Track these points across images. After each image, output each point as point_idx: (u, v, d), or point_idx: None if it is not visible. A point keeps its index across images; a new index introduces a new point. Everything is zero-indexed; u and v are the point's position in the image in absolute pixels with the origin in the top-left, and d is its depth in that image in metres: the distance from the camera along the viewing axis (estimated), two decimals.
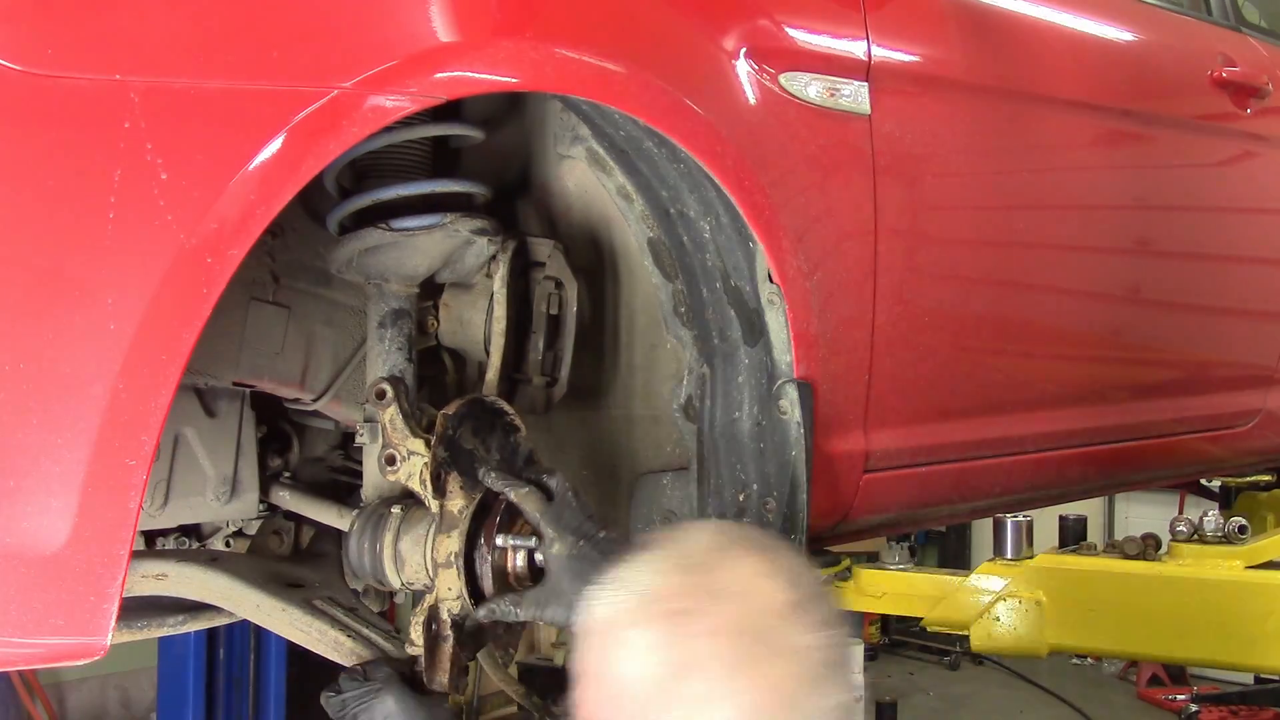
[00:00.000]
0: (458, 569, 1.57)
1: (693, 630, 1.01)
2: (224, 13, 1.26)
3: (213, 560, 1.77)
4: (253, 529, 2.05)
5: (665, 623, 1.02)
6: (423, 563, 1.60)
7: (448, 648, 1.58)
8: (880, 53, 1.91)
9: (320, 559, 1.98)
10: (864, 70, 1.88)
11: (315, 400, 1.83)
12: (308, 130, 1.26)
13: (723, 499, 1.86)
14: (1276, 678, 4.54)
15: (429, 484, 1.58)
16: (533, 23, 1.47)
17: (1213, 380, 2.92)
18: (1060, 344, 2.42)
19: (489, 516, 1.60)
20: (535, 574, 1.58)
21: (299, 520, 2.01)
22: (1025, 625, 3.18)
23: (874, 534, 2.49)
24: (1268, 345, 3.02)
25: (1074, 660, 7.02)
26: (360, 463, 1.83)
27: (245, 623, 2.03)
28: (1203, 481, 4.44)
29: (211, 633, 4.91)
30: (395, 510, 1.65)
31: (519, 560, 1.59)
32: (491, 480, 1.60)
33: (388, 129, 1.38)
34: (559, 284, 1.86)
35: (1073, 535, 3.55)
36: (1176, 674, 6.35)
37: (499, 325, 1.77)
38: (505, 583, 1.59)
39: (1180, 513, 4.70)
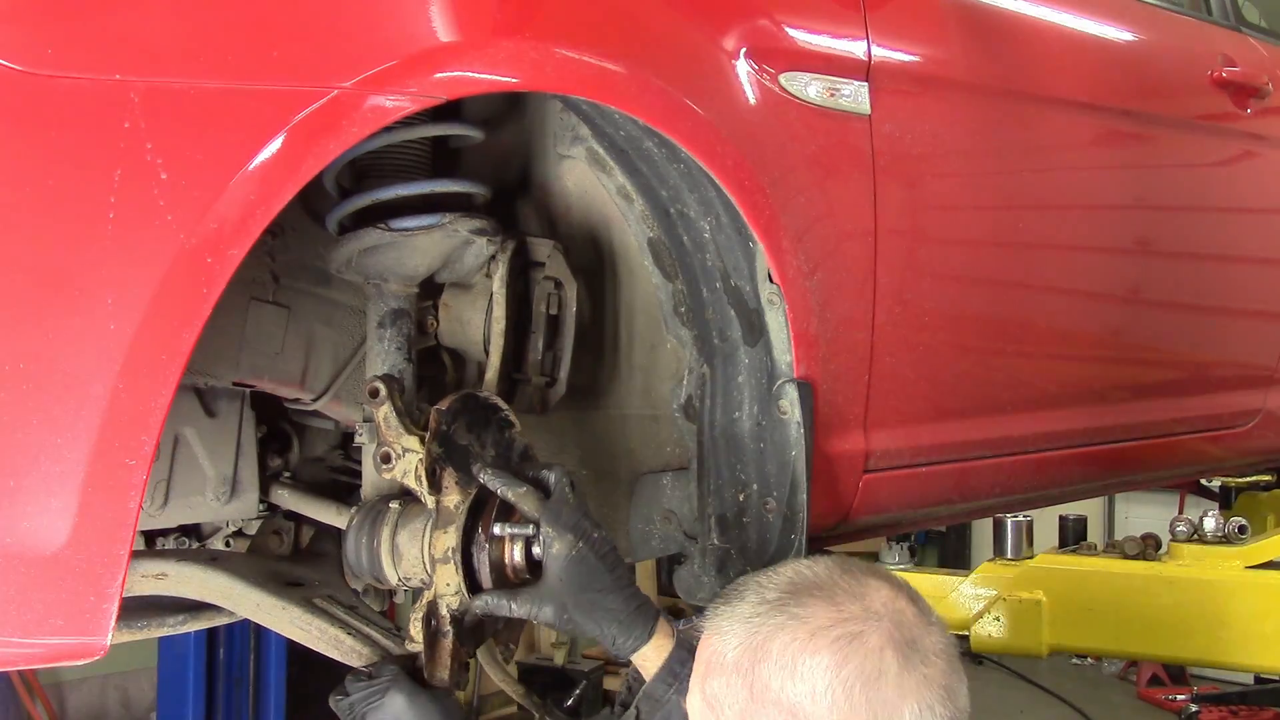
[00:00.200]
0: (455, 564, 1.56)
1: (868, 647, 1.21)
2: (224, 13, 1.26)
3: (213, 560, 1.77)
4: (253, 529, 2.05)
5: (845, 644, 1.21)
6: (420, 558, 1.60)
7: (447, 643, 1.58)
8: (880, 53, 1.91)
9: (320, 558, 1.98)
10: (864, 70, 1.88)
11: (315, 400, 1.83)
12: (308, 130, 1.26)
13: (723, 499, 1.86)
14: (1276, 678, 4.54)
15: (424, 480, 1.58)
16: (532, 23, 1.47)
17: (1213, 380, 2.92)
18: (1060, 344, 2.42)
19: (485, 511, 1.60)
20: (533, 567, 1.58)
21: (299, 520, 2.01)
22: (1025, 625, 3.18)
23: (874, 534, 2.49)
24: (1268, 345, 3.02)
25: (1074, 660, 7.01)
26: (360, 462, 1.83)
27: (245, 623, 2.03)
28: (1203, 481, 4.45)
29: (211, 633, 4.91)
30: (393, 506, 1.65)
31: (516, 553, 1.58)
32: (487, 478, 1.60)
33: (387, 129, 1.38)
34: (558, 284, 1.86)
35: (1073, 535, 3.56)
36: (1176, 674, 6.34)
37: (498, 325, 1.77)
38: (503, 576, 1.59)
39: (1180, 513, 4.70)
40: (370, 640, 1.66)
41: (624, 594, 1.56)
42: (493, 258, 1.76)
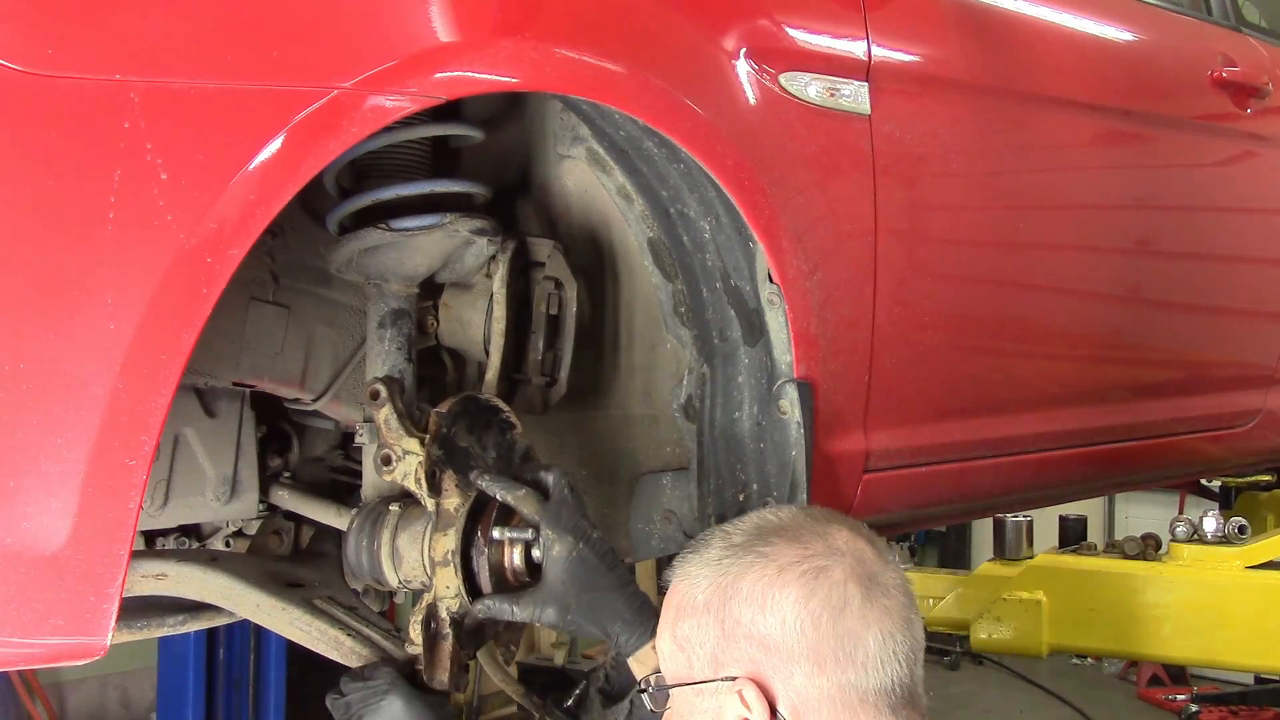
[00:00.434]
0: (455, 566, 1.56)
1: (833, 579, 1.27)
2: (224, 13, 1.26)
3: (213, 560, 1.77)
4: (253, 529, 2.05)
5: (811, 578, 1.27)
6: (420, 560, 1.60)
7: (447, 646, 1.58)
8: (880, 53, 1.91)
9: (320, 559, 1.98)
10: (864, 70, 1.88)
11: (315, 400, 1.83)
12: (307, 130, 1.26)
13: (723, 499, 1.86)
14: (1276, 678, 4.54)
15: (424, 483, 1.58)
16: (533, 23, 1.47)
17: (1213, 380, 2.92)
18: (1060, 344, 2.42)
19: (485, 514, 1.60)
20: (533, 570, 1.58)
21: (299, 520, 2.01)
22: (1025, 625, 3.19)
23: None
24: (1268, 345, 3.02)
25: (1074, 660, 7.01)
26: (360, 463, 1.83)
27: (245, 623, 2.03)
28: (1203, 481, 4.45)
29: (211, 633, 4.90)
30: (393, 508, 1.65)
31: (516, 557, 1.58)
32: (485, 483, 1.60)
33: (387, 129, 1.38)
34: (559, 284, 1.86)
35: (1073, 535, 3.56)
36: (1176, 674, 6.34)
37: (498, 325, 1.77)
38: (503, 579, 1.59)
39: (1180, 513, 4.70)
40: (370, 641, 1.66)
41: (626, 593, 1.56)
42: (493, 258, 1.76)
